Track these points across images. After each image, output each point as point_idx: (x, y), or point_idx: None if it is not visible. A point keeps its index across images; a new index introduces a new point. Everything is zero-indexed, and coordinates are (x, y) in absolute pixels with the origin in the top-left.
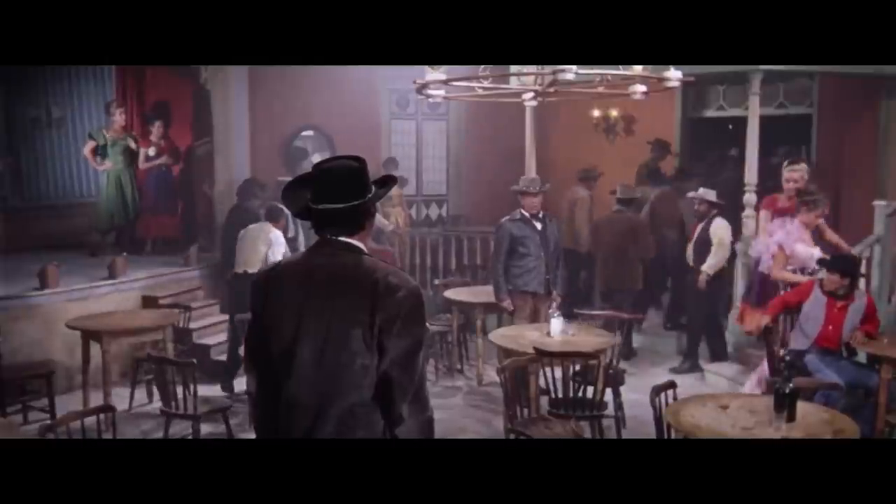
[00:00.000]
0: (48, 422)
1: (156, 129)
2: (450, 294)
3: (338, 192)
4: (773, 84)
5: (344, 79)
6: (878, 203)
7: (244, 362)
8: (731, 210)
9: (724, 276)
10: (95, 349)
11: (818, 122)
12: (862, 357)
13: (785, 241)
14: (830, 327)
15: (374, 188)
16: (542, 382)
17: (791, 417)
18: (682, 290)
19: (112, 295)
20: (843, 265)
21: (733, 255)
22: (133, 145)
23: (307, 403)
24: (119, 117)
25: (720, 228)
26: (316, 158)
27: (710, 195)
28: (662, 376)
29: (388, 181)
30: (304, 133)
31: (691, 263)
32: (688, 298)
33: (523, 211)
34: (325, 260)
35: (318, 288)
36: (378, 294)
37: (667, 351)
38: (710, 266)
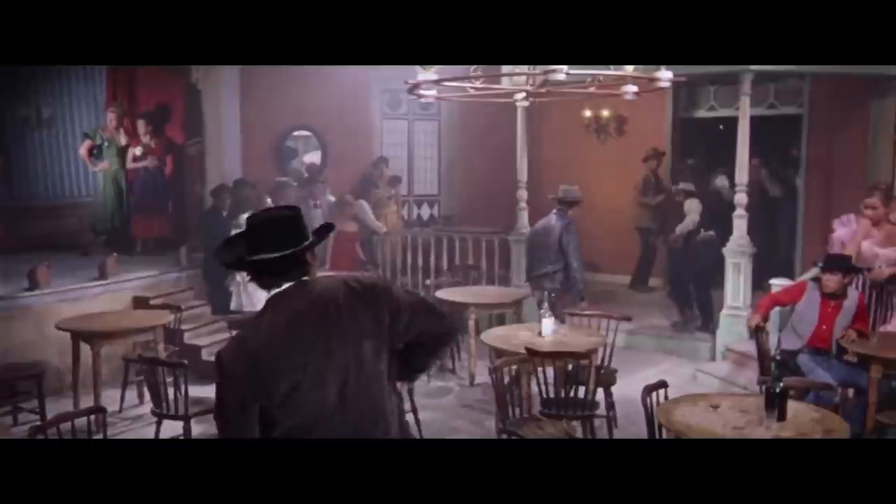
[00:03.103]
0: (38, 423)
1: (143, 129)
2: (442, 294)
3: (277, 241)
4: (763, 84)
5: (335, 79)
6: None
7: (228, 431)
8: None
9: (699, 243)
10: (86, 350)
11: (809, 122)
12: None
13: (846, 239)
14: (824, 327)
15: (311, 237)
16: (533, 383)
17: (782, 417)
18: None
19: (103, 296)
20: (842, 264)
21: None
22: (123, 143)
23: (347, 437)
24: (112, 120)
25: (690, 204)
26: (307, 158)
27: (690, 187)
28: (654, 376)
29: (327, 230)
30: (296, 133)
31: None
32: (671, 269)
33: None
34: (299, 305)
35: (312, 336)
36: (371, 305)
37: (661, 349)
38: (679, 228)
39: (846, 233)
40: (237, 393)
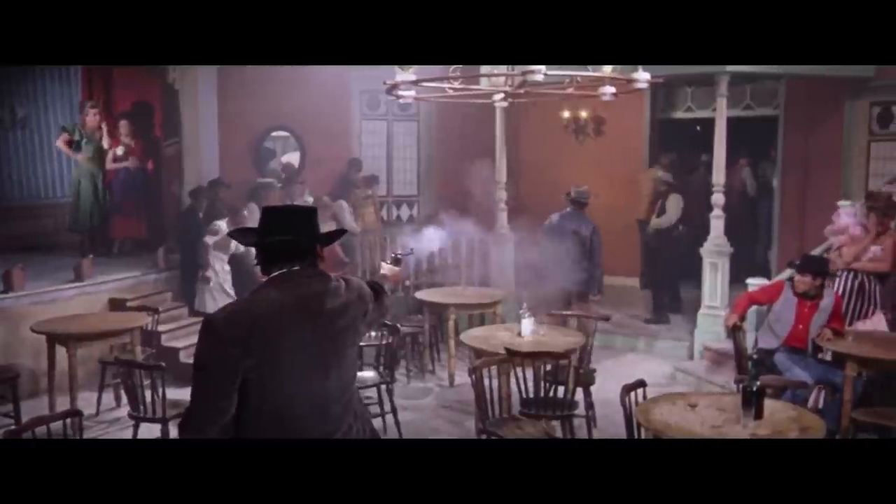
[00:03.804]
0: (13, 427)
1: (123, 129)
2: (421, 295)
3: (293, 226)
4: (739, 86)
5: (314, 79)
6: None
7: (202, 423)
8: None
9: (675, 240)
10: (61, 353)
11: (784, 124)
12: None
13: (854, 229)
14: (800, 326)
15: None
16: (512, 383)
17: (759, 415)
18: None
19: (78, 298)
20: (814, 266)
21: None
22: (105, 145)
23: (327, 429)
24: (92, 117)
25: (672, 200)
26: (286, 159)
27: (668, 177)
28: (632, 375)
29: (341, 233)
30: (274, 133)
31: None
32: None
33: None
34: (303, 290)
35: (322, 324)
36: (364, 302)
37: (639, 349)
38: (655, 223)
39: (852, 222)
40: (224, 358)
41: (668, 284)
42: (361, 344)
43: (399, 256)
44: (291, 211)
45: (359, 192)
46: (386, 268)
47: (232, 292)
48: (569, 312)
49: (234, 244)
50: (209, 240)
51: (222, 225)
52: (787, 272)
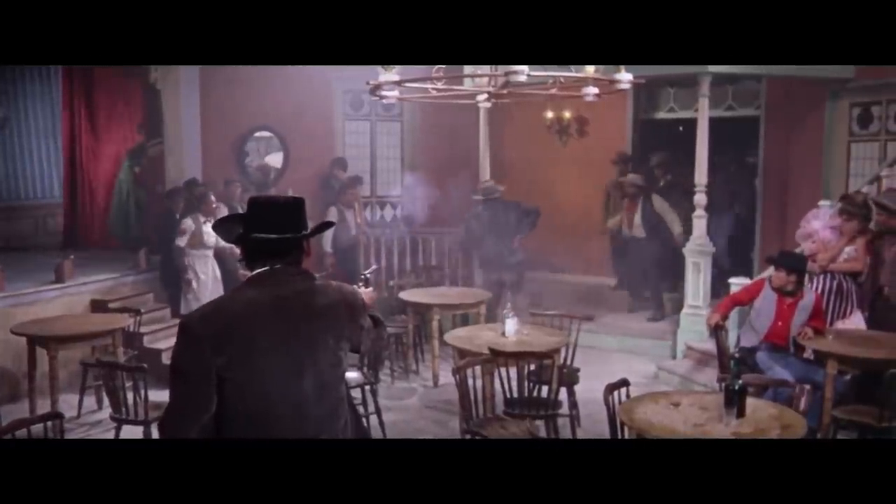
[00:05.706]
0: None
1: None
2: (405, 295)
3: (279, 223)
4: (721, 86)
5: (297, 79)
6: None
7: (181, 423)
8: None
9: (661, 239)
10: (42, 355)
11: (765, 124)
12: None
13: (823, 234)
14: (780, 323)
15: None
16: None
17: (741, 413)
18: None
19: (60, 299)
20: (788, 262)
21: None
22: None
23: (307, 432)
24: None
25: (660, 202)
26: (267, 159)
27: (639, 180)
28: (616, 375)
29: (327, 225)
30: (258, 134)
31: (643, 235)
32: (646, 264)
33: None
34: (282, 290)
35: (298, 323)
36: (353, 309)
37: (622, 348)
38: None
39: (820, 226)
40: (200, 357)
41: (656, 285)
42: None
43: (368, 276)
44: (277, 206)
45: (351, 193)
46: (361, 292)
47: (220, 290)
48: (552, 313)
49: (214, 238)
50: (180, 241)
51: (190, 223)
52: (769, 270)
